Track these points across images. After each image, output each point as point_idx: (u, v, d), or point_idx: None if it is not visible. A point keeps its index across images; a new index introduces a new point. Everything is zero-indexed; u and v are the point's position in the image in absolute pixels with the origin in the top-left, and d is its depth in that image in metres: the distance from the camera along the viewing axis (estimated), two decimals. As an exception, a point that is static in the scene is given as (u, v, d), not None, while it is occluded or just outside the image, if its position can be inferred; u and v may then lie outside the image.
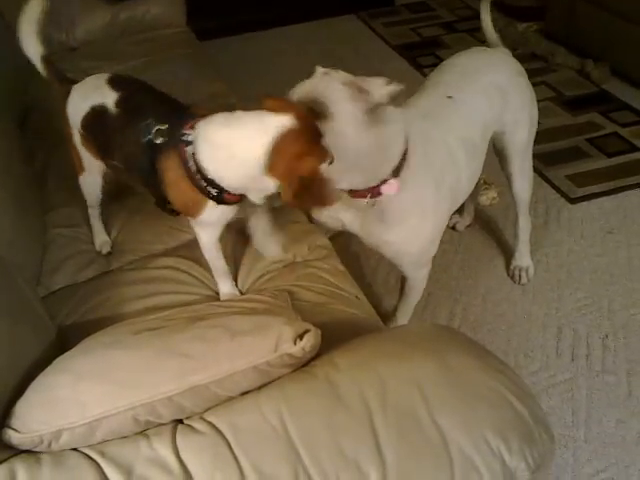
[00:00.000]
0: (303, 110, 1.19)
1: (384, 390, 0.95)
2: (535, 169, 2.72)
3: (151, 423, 0.95)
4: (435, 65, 3.58)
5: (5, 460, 0.90)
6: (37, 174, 1.93)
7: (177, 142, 1.27)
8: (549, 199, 2.61)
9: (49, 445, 0.92)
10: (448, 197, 1.56)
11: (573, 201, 2.60)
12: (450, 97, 1.67)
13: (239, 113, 1.21)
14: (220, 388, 0.97)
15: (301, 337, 1.00)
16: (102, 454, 0.91)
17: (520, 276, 2.25)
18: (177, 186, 1.30)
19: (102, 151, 1.51)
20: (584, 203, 2.59)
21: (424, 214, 1.51)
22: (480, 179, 2.57)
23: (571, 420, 1.80)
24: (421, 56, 3.71)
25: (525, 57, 3.56)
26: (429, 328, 1.34)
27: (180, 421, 0.96)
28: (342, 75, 1.32)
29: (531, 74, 1.96)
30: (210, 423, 0.93)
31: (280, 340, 0.99)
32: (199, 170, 1.24)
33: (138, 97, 1.46)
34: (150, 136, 1.31)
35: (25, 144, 2.02)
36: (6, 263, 1.24)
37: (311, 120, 1.19)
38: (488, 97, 1.74)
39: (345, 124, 1.24)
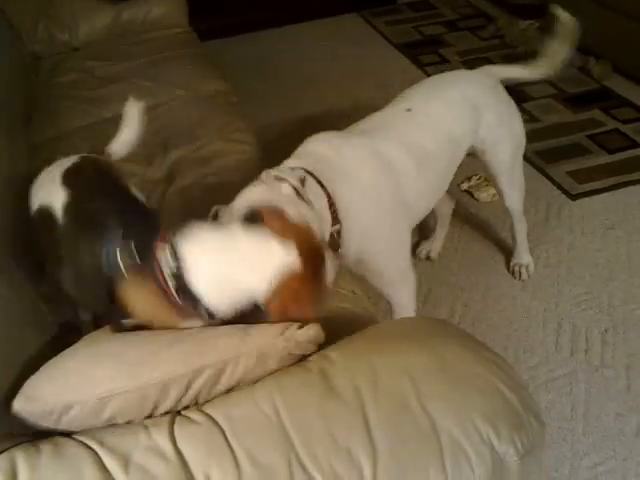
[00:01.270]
0: (306, 233, 1.11)
1: (376, 380, 0.96)
2: (536, 166, 2.76)
3: (158, 404, 0.98)
4: (437, 63, 3.64)
5: (5, 450, 0.92)
6: (42, 168, 1.95)
7: (149, 261, 1.06)
8: (550, 195, 2.62)
9: (58, 418, 0.95)
10: (396, 206, 1.54)
11: (574, 197, 2.60)
12: (409, 110, 1.66)
13: (235, 232, 1.07)
14: (229, 371, 1.00)
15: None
16: (101, 444, 0.92)
17: (520, 272, 2.26)
18: (148, 305, 1.08)
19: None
20: (585, 199, 2.59)
21: (377, 230, 1.50)
22: (480, 176, 2.60)
23: (570, 414, 1.81)
24: (423, 54, 3.73)
25: (527, 55, 3.57)
26: (423, 321, 1.35)
27: (178, 413, 0.98)
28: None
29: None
30: (206, 414, 0.95)
31: (285, 327, 1.03)
32: (182, 290, 1.05)
33: (94, 202, 1.23)
34: (116, 260, 1.10)
35: (29, 142, 2.05)
36: (8, 259, 1.26)
37: (314, 245, 1.11)
38: (454, 108, 1.72)
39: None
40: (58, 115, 2.18)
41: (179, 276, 1.03)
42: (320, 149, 1.48)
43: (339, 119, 3.11)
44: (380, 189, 1.50)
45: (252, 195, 1.25)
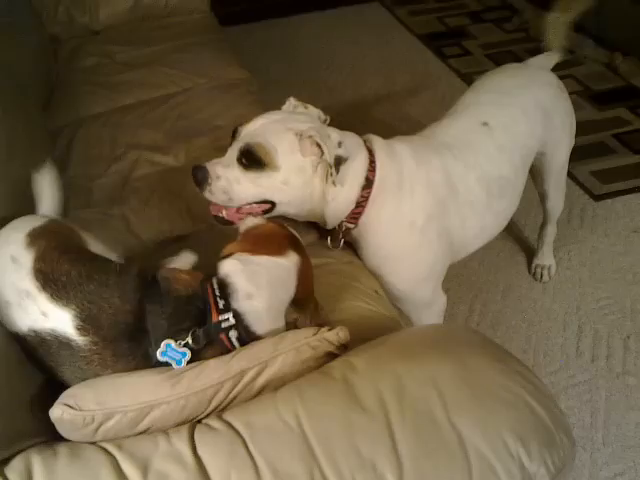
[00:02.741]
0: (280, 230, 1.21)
1: (401, 391, 0.93)
2: (560, 165, 2.68)
3: (197, 415, 0.98)
4: (460, 56, 3.57)
5: (21, 451, 0.90)
6: (60, 154, 1.93)
7: (215, 336, 1.04)
8: (573, 196, 2.56)
9: (98, 426, 0.93)
10: (438, 240, 1.47)
11: (597, 198, 2.55)
12: (486, 124, 1.56)
13: (277, 268, 1.11)
14: (268, 370, 1.01)
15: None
16: (119, 448, 0.90)
17: (542, 274, 2.22)
18: None
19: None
20: (608, 200, 2.54)
21: (403, 254, 1.46)
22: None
23: (589, 422, 1.78)
24: (446, 46, 3.67)
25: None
26: (447, 329, 1.32)
27: (198, 420, 0.97)
28: (308, 116, 1.40)
29: (558, 67, 1.91)
30: (227, 422, 0.93)
31: (316, 330, 1.07)
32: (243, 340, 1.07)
33: (111, 306, 1.03)
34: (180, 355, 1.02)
35: (49, 124, 2.02)
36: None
37: (286, 233, 1.21)
38: (530, 119, 1.63)
39: (290, 174, 1.31)
40: (78, 100, 2.15)
41: (242, 334, 1.05)
42: (403, 153, 1.43)
43: (358, 109, 3.08)
44: (427, 220, 1.43)
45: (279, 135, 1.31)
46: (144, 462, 0.87)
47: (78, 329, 0.99)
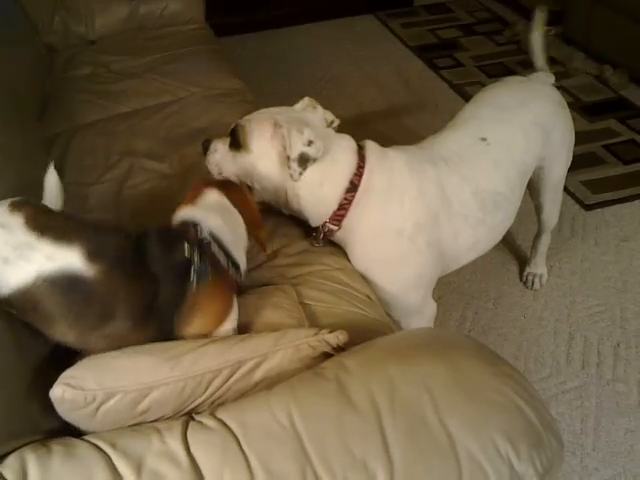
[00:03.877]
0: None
1: (393, 392, 0.94)
2: (550, 175, 2.71)
3: (194, 398, 1.01)
4: (452, 67, 3.61)
5: (16, 449, 0.90)
6: (55, 162, 1.93)
7: (203, 246, 1.14)
8: (563, 205, 2.56)
9: (99, 406, 0.95)
10: (428, 250, 1.47)
11: (588, 207, 2.58)
12: (484, 139, 1.56)
13: (212, 200, 1.26)
14: (267, 363, 1.05)
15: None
16: (113, 446, 0.91)
17: (533, 282, 2.24)
18: (214, 297, 1.15)
19: None
20: (599, 210, 2.57)
21: (390, 261, 1.47)
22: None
23: (580, 428, 1.79)
24: (439, 58, 3.70)
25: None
26: (439, 332, 1.34)
27: (191, 417, 0.98)
28: (312, 115, 1.45)
29: (549, 78, 1.94)
30: (220, 420, 0.94)
31: (317, 330, 1.12)
32: (232, 263, 1.18)
33: (108, 236, 1.10)
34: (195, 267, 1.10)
35: (44, 132, 2.03)
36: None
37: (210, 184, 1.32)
38: (528, 136, 1.63)
39: (259, 160, 1.40)
40: (73, 108, 2.17)
41: (226, 253, 1.17)
42: (396, 161, 1.44)
43: (352, 120, 3.11)
44: (416, 229, 1.43)
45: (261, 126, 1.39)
46: (138, 461, 0.87)
47: (86, 260, 1.01)
